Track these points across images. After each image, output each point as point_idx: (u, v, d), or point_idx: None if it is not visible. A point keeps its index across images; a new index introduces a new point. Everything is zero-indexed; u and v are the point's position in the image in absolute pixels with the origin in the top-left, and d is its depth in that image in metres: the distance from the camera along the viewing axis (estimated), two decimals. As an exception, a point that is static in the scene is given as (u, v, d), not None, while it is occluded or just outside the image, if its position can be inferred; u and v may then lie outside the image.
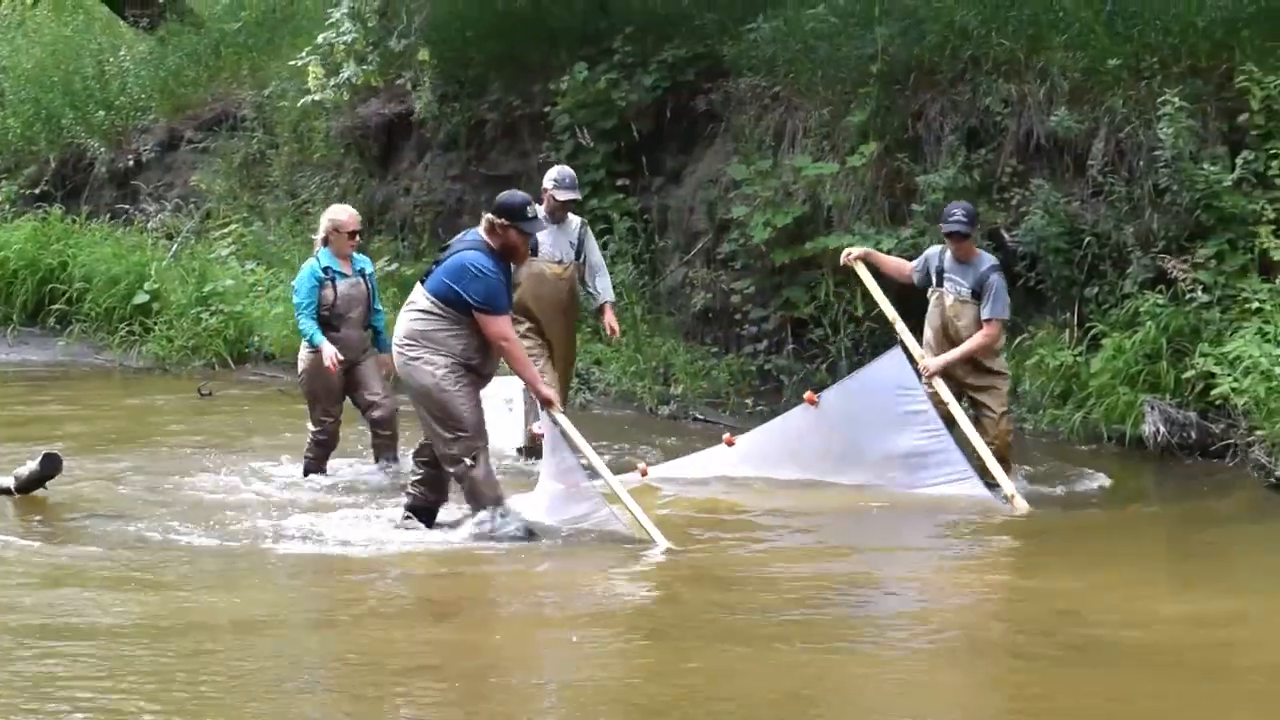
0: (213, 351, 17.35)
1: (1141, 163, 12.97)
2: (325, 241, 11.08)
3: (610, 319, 11.88)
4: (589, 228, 12.13)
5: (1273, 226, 12.09)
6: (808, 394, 11.16)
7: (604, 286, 11.92)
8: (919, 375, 10.80)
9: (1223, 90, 12.87)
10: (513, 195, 9.57)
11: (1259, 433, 11.04)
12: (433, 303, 9.30)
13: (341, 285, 11.01)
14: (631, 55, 16.48)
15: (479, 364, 9.43)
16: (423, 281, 9.47)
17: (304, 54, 17.75)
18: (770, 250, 14.45)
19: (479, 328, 9.27)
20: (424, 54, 17.64)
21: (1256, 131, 12.44)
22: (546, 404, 9.54)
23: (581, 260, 11.79)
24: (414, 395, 9.48)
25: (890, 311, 11.22)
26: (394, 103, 19.05)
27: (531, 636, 8.09)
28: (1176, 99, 12.45)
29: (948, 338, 10.92)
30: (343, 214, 11.23)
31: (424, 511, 9.70)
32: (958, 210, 10.91)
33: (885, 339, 12.04)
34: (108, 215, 20.64)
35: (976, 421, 10.88)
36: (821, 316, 14.18)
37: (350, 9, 17.73)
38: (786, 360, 14.39)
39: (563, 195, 11.49)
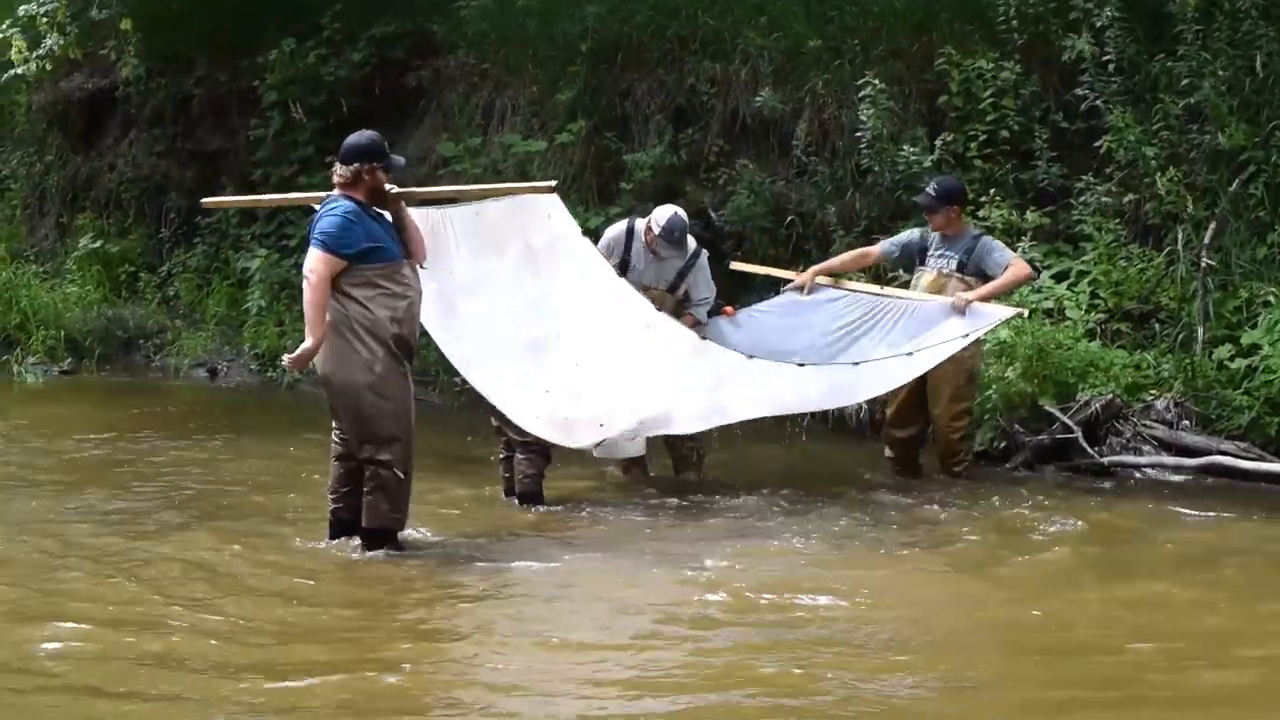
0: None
1: (844, 144, 13.11)
2: None
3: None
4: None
5: (970, 208, 12.26)
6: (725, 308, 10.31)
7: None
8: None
9: (923, 73, 13.02)
10: (363, 134, 7.98)
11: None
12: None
13: None
14: (340, 31, 16.26)
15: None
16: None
17: (4, 26, 17.26)
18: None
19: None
20: (126, 24, 17.25)
21: (955, 114, 12.60)
22: None
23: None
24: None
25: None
26: (97, 77, 18.60)
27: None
28: (877, 81, 12.58)
29: None
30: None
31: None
32: (931, 183, 10.41)
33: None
34: None
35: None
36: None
37: (52, -21, 17.31)
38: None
39: (664, 252, 9.95)
